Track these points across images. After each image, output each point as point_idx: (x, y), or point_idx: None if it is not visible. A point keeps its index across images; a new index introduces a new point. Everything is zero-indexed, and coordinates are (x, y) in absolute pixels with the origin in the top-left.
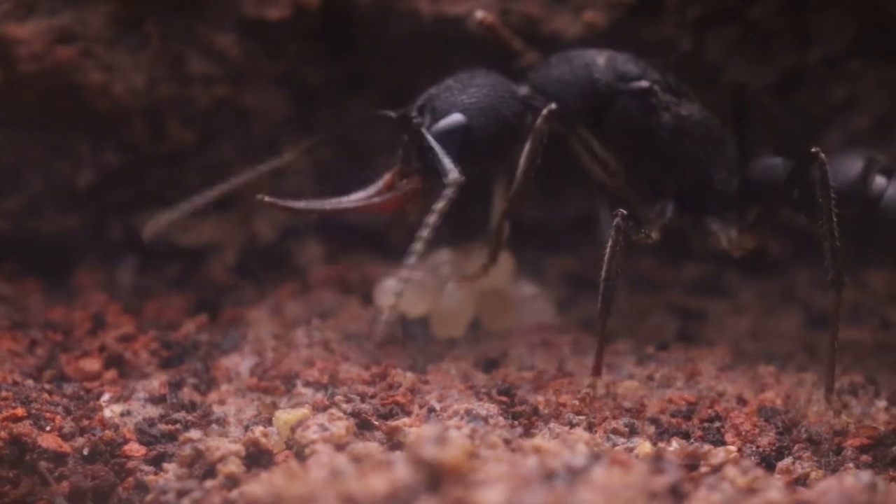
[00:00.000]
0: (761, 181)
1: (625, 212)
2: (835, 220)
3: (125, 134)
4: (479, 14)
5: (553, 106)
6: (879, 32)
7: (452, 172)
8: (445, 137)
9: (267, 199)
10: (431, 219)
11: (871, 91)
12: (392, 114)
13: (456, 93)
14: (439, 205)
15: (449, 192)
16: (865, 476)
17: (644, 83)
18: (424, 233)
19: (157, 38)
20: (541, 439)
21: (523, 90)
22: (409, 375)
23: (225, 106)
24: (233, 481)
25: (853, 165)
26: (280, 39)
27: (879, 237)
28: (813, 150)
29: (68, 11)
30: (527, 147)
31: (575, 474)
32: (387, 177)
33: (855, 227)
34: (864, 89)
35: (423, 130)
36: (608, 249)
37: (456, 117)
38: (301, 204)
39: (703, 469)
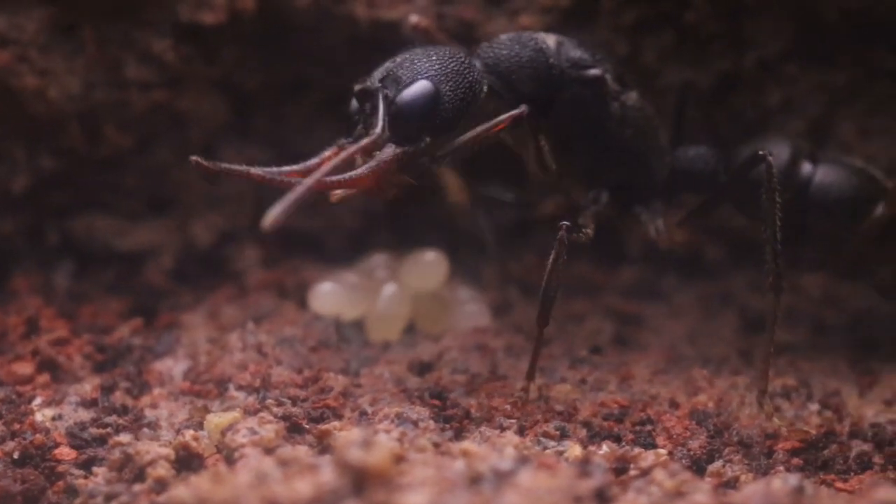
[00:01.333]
0: (688, 170)
1: (568, 223)
2: (778, 223)
3: (61, 138)
4: (414, 18)
5: (524, 108)
6: (815, 36)
7: (377, 129)
8: (414, 106)
9: (214, 164)
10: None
11: (807, 94)
12: (357, 87)
13: (417, 62)
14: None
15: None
16: (793, 479)
17: (597, 71)
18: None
19: (94, 44)
20: (469, 443)
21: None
22: (342, 379)
23: (161, 110)
24: (162, 485)
25: (781, 152)
26: (216, 44)
27: (809, 223)
28: (760, 152)
29: (3, 16)
30: (480, 128)
31: (501, 478)
32: (328, 152)
33: (785, 214)
34: (800, 93)
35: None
36: (550, 262)
37: (424, 84)
38: (244, 170)
39: (633, 472)
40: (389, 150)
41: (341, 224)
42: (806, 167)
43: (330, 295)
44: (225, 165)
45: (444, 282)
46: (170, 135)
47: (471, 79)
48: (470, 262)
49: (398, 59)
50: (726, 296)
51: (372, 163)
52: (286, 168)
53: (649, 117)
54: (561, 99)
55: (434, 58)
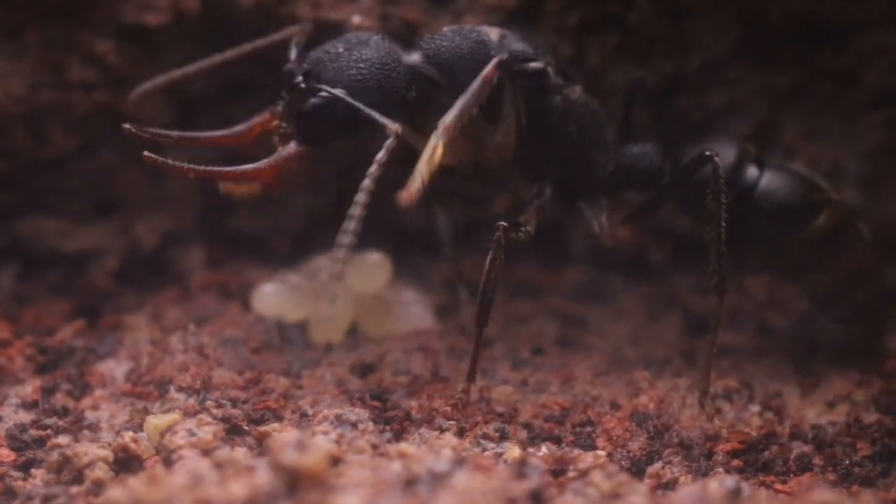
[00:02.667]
0: (632, 167)
1: (505, 224)
2: (724, 224)
3: (5, 140)
4: (357, 19)
5: (504, 55)
6: (759, 38)
7: (390, 125)
8: (320, 115)
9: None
10: (373, 169)
11: (751, 96)
12: (284, 72)
13: (343, 61)
14: (380, 155)
15: (390, 143)
16: (730, 481)
17: (539, 64)
18: (367, 182)
19: (37, 45)
20: (407, 445)
21: (414, 58)
22: (283, 381)
23: (106, 112)
24: (100, 487)
25: (727, 156)
26: (160, 45)
27: (751, 228)
28: (707, 153)
29: None
30: (471, 88)
31: (437, 480)
32: (257, 119)
33: (728, 216)
34: (744, 95)
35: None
36: (488, 263)
37: (333, 95)
38: (174, 134)
39: (571, 474)
40: (292, 147)
41: (286, 226)
42: (752, 171)
43: (273, 296)
44: (160, 132)
45: (387, 283)
46: (114, 136)
47: (391, 89)
48: (415, 264)
49: (330, 53)
50: (670, 298)
51: (272, 158)
52: (214, 133)
53: (594, 112)
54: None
55: (361, 64)
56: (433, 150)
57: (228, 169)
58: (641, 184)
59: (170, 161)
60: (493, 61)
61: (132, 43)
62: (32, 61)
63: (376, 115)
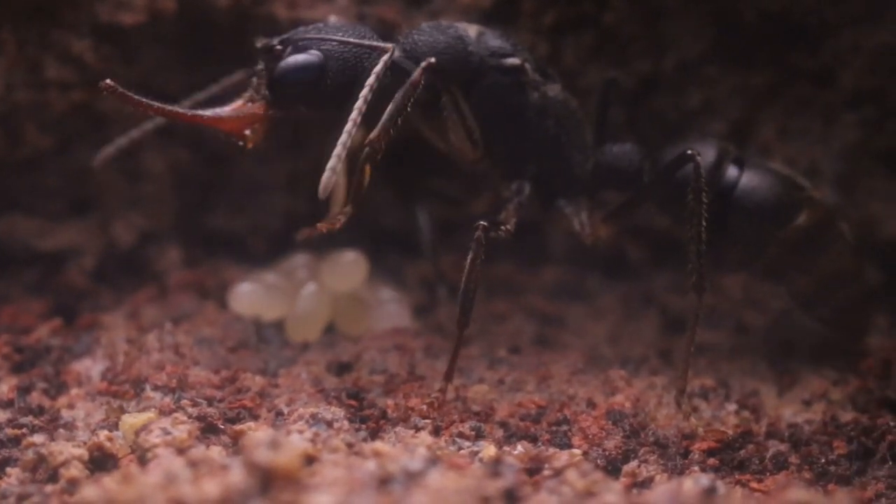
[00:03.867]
0: (612, 166)
1: (485, 223)
2: (703, 224)
3: None
4: (332, 19)
5: (432, 59)
6: (734, 38)
7: (384, 45)
8: (296, 73)
9: (114, 85)
10: (370, 80)
11: (727, 96)
12: (258, 43)
13: (322, 33)
14: (378, 68)
15: (386, 57)
16: (705, 479)
17: (516, 60)
18: (359, 102)
19: (13, 44)
20: (382, 443)
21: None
22: (259, 379)
23: (81, 112)
24: (75, 486)
25: (707, 155)
26: (136, 45)
27: (731, 226)
28: (688, 152)
29: None
30: (398, 95)
31: (411, 478)
32: (238, 102)
33: (709, 217)
34: (720, 94)
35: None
36: (468, 263)
37: (312, 55)
38: (147, 101)
39: (546, 472)
40: (260, 105)
41: (263, 225)
42: (731, 170)
43: (249, 295)
44: (138, 98)
45: (364, 282)
46: (90, 135)
47: (369, 63)
48: (392, 263)
49: (311, 26)
50: (648, 297)
51: (239, 110)
52: (203, 112)
53: (572, 110)
54: (480, 86)
55: (340, 34)
56: (362, 177)
57: (192, 112)
58: (621, 183)
59: (130, 94)
60: (421, 65)
61: (108, 42)
62: (8, 61)
63: (367, 41)
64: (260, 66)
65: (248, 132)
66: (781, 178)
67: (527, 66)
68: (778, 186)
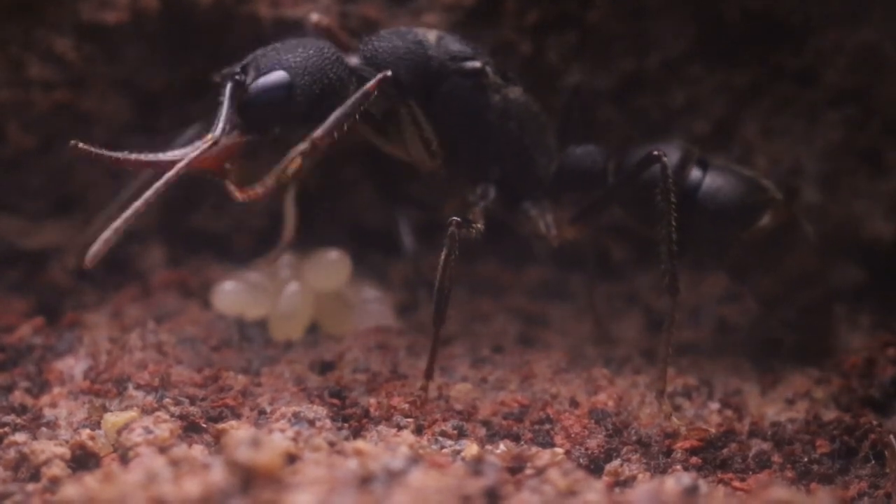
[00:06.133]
0: (575, 168)
1: (458, 219)
2: (674, 224)
3: None
4: (315, 17)
5: (388, 72)
6: (717, 37)
7: (216, 130)
8: (266, 94)
9: (80, 145)
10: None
11: (710, 95)
12: (217, 77)
13: (282, 52)
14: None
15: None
16: (686, 478)
17: (476, 63)
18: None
19: None
20: (363, 442)
21: (353, 61)
22: (242, 378)
23: (65, 110)
24: (56, 485)
25: (671, 156)
26: (119, 43)
27: (695, 228)
28: (655, 153)
29: None
30: (349, 100)
31: (392, 477)
32: (207, 136)
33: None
34: (704, 93)
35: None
36: (442, 259)
37: (278, 74)
38: (118, 155)
39: (528, 471)
40: (234, 136)
41: (247, 224)
42: (695, 172)
43: (232, 294)
44: (107, 153)
45: (347, 281)
46: (73, 134)
47: (333, 75)
48: (375, 262)
49: (267, 48)
50: (632, 296)
51: (218, 148)
52: (168, 154)
53: (534, 113)
54: (440, 91)
55: (300, 49)
56: (290, 162)
57: (168, 158)
58: (585, 184)
59: (101, 151)
60: (378, 76)
61: (91, 41)
62: None
63: (222, 116)
64: (223, 96)
65: (227, 165)
66: (745, 180)
67: (487, 69)
68: (741, 188)
